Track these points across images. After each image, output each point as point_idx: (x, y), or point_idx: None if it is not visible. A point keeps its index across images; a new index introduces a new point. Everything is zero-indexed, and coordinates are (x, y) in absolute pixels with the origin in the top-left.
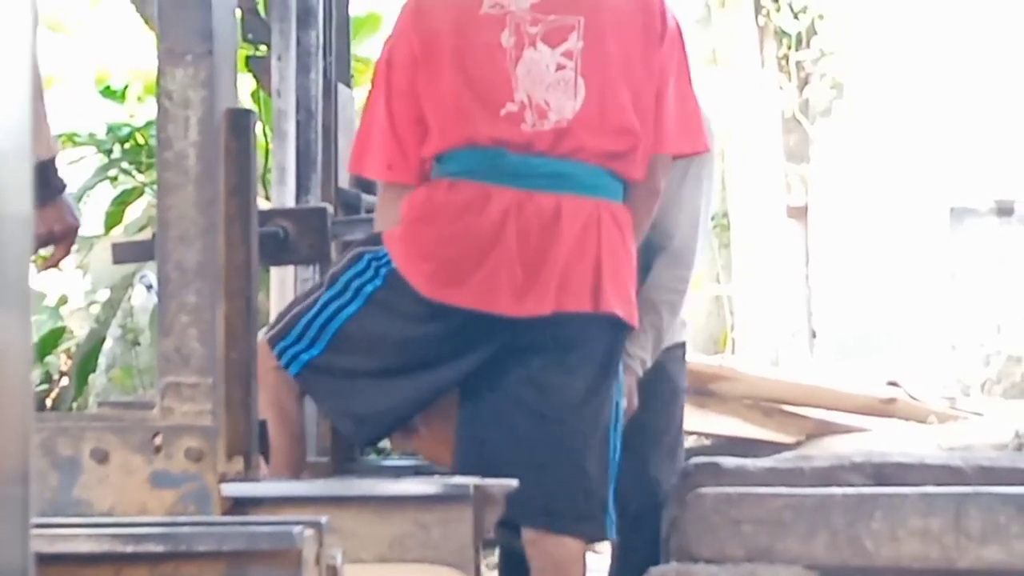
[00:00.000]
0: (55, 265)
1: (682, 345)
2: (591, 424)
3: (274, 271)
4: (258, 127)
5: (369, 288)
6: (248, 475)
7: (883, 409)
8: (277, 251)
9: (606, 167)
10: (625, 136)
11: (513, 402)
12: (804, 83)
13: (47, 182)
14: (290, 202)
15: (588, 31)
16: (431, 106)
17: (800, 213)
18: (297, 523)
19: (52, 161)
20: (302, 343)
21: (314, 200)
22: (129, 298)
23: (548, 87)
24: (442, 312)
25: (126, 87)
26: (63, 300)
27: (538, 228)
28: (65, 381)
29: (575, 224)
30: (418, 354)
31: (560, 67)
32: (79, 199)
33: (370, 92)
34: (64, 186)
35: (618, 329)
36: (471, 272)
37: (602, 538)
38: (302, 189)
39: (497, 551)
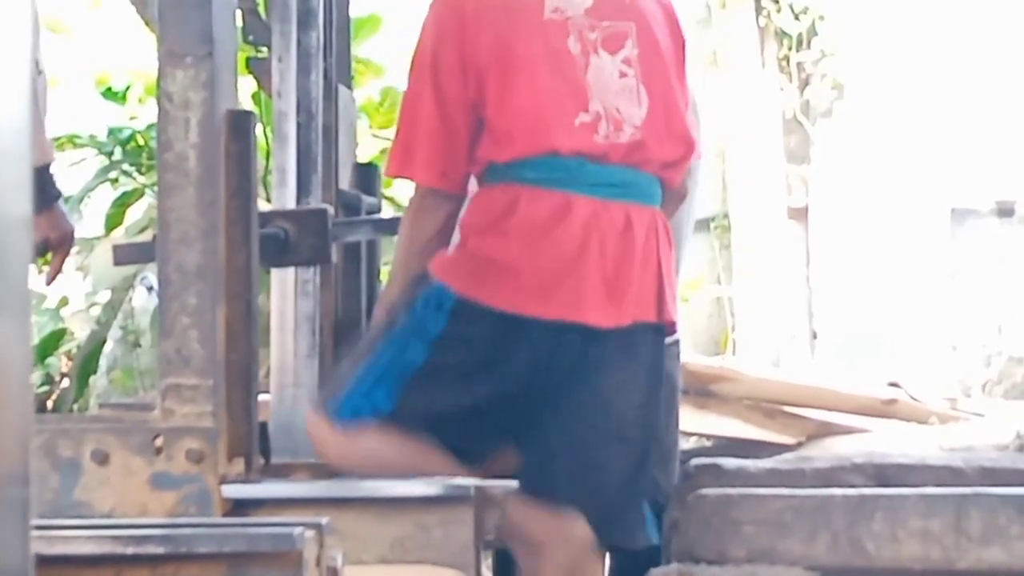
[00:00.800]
0: (56, 274)
1: (676, 343)
2: (649, 436)
3: (275, 273)
4: (258, 129)
5: (433, 329)
6: (248, 476)
7: (884, 410)
8: (278, 253)
9: (660, 175)
10: (683, 144)
11: (584, 416)
12: (805, 84)
13: (42, 189)
14: (291, 204)
15: (640, 38)
16: (502, 113)
17: (801, 214)
18: (298, 524)
19: (47, 168)
20: (365, 397)
21: (315, 202)
22: (130, 300)
23: (616, 95)
24: (522, 327)
25: (127, 89)
26: (64, 302)
27: (614, 238)
28: (66, 383)
29: (641, 233)
30: (504, 375)
31: (623, 75)
32: (80, 201)
33: (411, 95)
34: (59, 194)
35: (663, 337)
36: (558, 283)
37: (647, 545)
38: (303, 191)
39: (492, 553)
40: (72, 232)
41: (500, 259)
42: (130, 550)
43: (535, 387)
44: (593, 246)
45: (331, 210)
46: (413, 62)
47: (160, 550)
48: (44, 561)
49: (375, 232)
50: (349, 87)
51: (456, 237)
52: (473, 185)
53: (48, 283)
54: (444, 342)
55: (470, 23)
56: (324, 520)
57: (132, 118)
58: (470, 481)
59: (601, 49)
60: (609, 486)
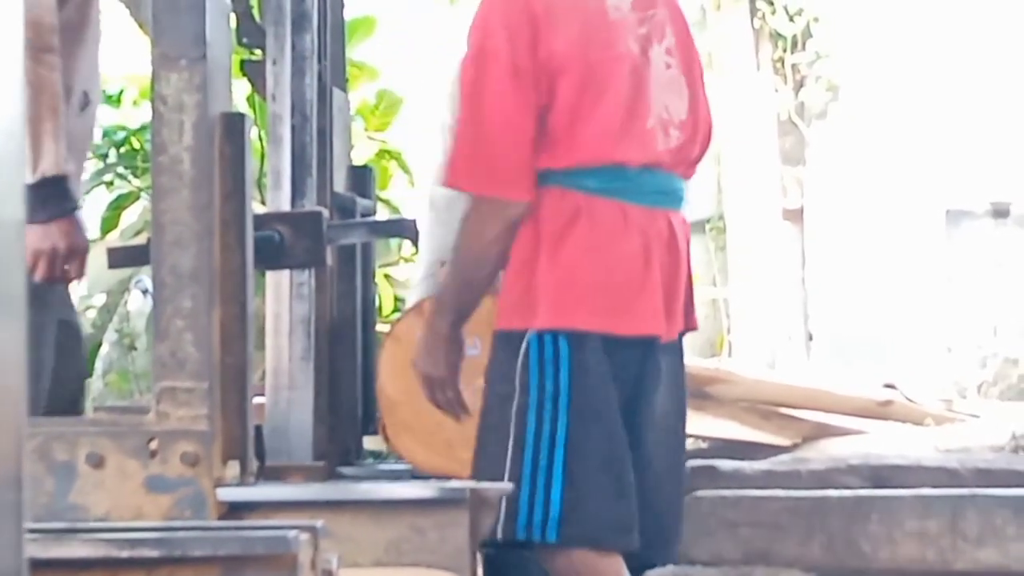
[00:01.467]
0: (68, 279)
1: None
2: (684, 446)
3: (269, 275)
4: (253, 131)
5: (564, 385)
6: (243, 479)
7: (880, 411)
8: (272, 255)
9: (686, 177)
10: (707, 140)
11: (650, 439)
12: (799, 86)
13: (54, 198)
14: (285, 206)
15: (673, 24)
16: (572, 120)
17: (796, 216)
18: (293, 527)
19: (63, 179)
20: (537, 506)
21: (309, 204)
22: (125, 303)
23: (665, 89)
24: (614, 348)
25: (121, 92)
26: None
27: (662, 248)
28: None
29: (682, 242)
30: (618, 406)
31: (668, 66)
32: None
33: (488, 100)
34: (76, 206)
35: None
36: (634, 298)
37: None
38: (297, 193)
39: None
40: (86, 244)
41: (585, 286)
42: (125, 553)
43: (624, 407)
44: (652, 258)
45: (326, 213)
46: (479, 64)
47: (155, 553)
48: (39, 565)
49: (370, 235)
50: (344, 90)
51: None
52: None
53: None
54: (579, 397)
55: (542, 25)
56: (319, 523)
57: (126, 121)
58: (465, 483)
59: (653, 43)
60: (668, 510)
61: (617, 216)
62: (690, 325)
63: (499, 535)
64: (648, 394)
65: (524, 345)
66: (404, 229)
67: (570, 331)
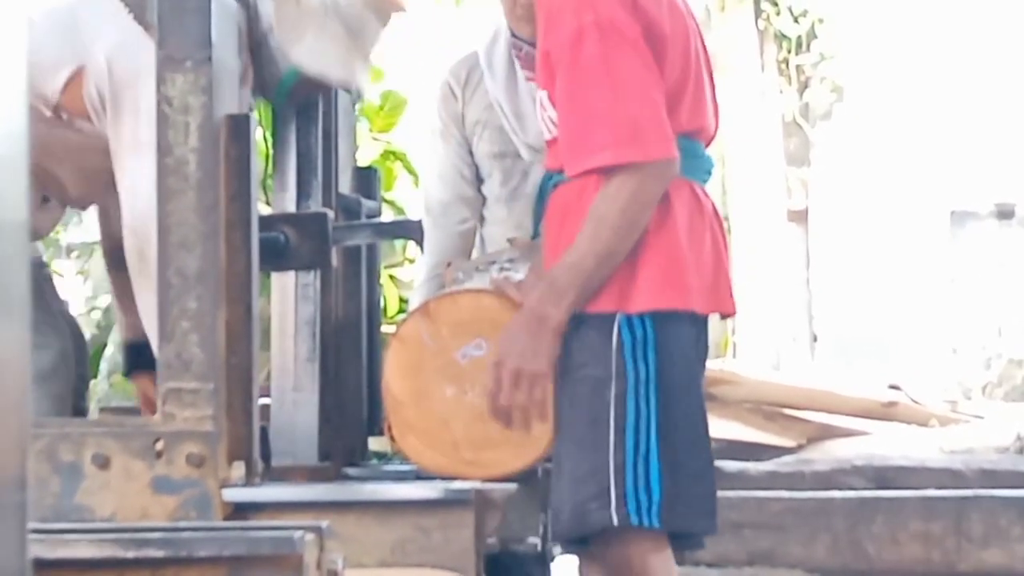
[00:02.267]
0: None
1: None
2: None
3: (275, 277)
4: (258, 133)
5: (652, 367)
6: (249, 480)
7: (884, 412)
8: (278, 257)
9: None
10: (717, 121)
11: (701, 420)
12: (804, 87)
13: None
14: (291, 208)
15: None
16: (672, 87)
17: (801, 217)
18: (298, 528)
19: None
20: (641, 491)
21: (315, 206)
22: None
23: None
24: (695, 326)
25: None
26: None
27: (720, 225)
28: None
29: (721, 221)
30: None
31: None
32: None
33: (614, 68)
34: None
35: None
36: (715, 276)
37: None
38: (302, 195)
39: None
40: None
41: (674, 264)
42: (131, 554)
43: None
44: (718, 237)
45: (331, 214)
46: (595, 35)
47: (161, 554)
48: (45, 565)
49: (375, 236)
50: (349, 91)
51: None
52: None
53: None
54: (668, 373)
55: None
56: (324, 524)
57: None
58: (469, 484)
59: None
60: (711, 490)
61: (692, 195)
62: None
63: (615, 521)
64: (700, 375)
65: (616, 328)
66: (409, 230)
67: (659, 312)
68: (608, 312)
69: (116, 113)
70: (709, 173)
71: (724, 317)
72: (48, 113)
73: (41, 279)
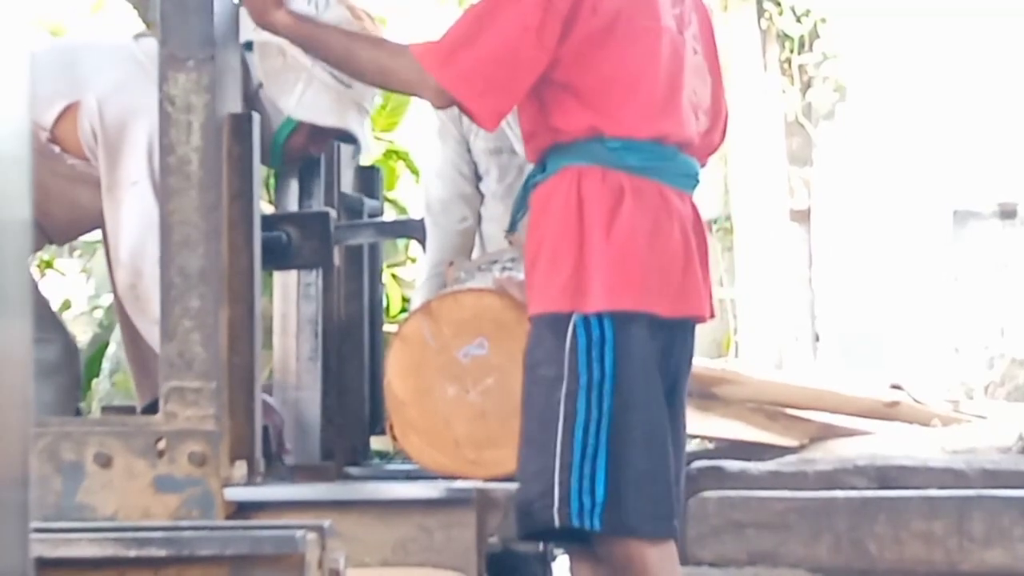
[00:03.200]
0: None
1: None
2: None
3: (277, 276)
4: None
5: (609, 369)
6: (251, 479)
7: (886, 412)
8: (280, 256)
9: (702, 165)
10: (723, 135)
11: (680, 424)
12: (807, 86)
13: None
14: (293, 207)
15: (697, 13)
16: (612, 85)
17: (803, 216)
18: (300, 527)
19: None
20: (584, 492)
21: (317, 205)
22: None
23: (694, 74)
24: (659, 329)
25: None
26: (66, 305)
27: (695, 229)
28: None
29: (704, 224)
30: (662, 387)
31: (695, 51)
32: None
33: (505, 15)
34: None
35: None
36: (680, 279)
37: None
38: (304, 193)
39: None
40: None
41: (636, 267)
42: (133, 553)
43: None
44: (689, 240)
45: (333, 213)
46: None
47: (163, 553)
48: (47, 564)
49: (377, 235)
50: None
51: (551, 229)
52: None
53: None
54: (624, 379)
55: None
56: (326, 523)
57: None
58: (471, 484)
59: (685, 25)
60: (665, 494)
61: (658, 197)
62: (711, 313)
63: (556, 521)
64: (684, 376)
65: (571, 328)
66: (412, 230)
67: (617, 313)
68: (564, 312)
69: (109, 151)
70: (689, 177)
71: (696, 322)
72: (43, 140)
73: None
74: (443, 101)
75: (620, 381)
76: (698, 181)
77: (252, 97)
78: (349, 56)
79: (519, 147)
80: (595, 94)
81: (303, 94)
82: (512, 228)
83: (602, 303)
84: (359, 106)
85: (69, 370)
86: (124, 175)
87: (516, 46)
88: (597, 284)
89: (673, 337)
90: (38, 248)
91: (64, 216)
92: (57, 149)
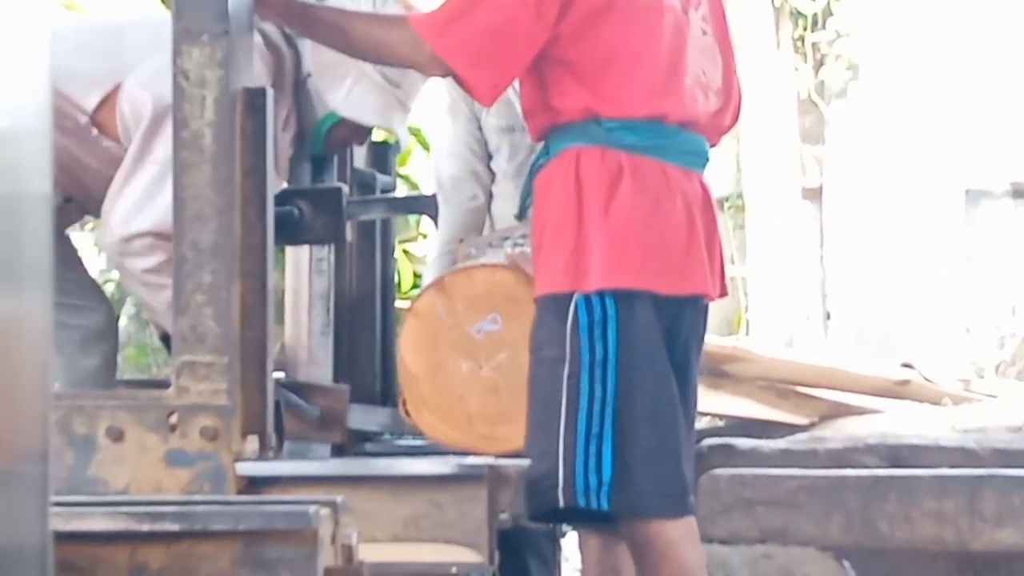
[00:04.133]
0: None
1: None
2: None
3: (289, 250)
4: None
5: (612, 347)
6: (262, 454)
7: (897, 391)
8: (292, 231)
9: (713, 144)
10: (736, 115)
11: (690, 403)
12: (820, 64)
13: None
14: (306, 182)
15: None
16: (610, 63)
17: (815, 194)
18: (314, 503)
19: None
20: (591, 472)
21: (329, 180)
22: None
23: (702, 54)
24: (663, 307)
25: None
26: None
27: (702, 208)
28: None
29: (714, 202)
30: (670, 364)
31: (704, 32)
32: None
33: None
34: None
35: None
36: (683, 257)
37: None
38: (317, 169)
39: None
40: None
41: (636, 245)
42: (146, 527)
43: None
44: (694, 218)
45: (346, 188)
46: None
47: (176, 527)
48: (60, 538)
49: (390, 211)
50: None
51: (552, 209)
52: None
53: None
54: (626, 346)
55: None
56: (340, 498)
57: None
58: (483, 459)
59: (691, 6)
60: (674, 472)
61: (659, 175)
62: (722, 291)
63: (561, 502)
64: (694, 355)
65: (572, 308)
66: (424, 205)
67: (619, 292)
68: (564, 293)
69: (143, 135)
70: (695, 155)
71: (705, 300)
72: (82, 122)
73: (68, 243)
74: (439, 71)
75: (624, 360)
76: (707, 159)
77: (299, 85)
78: (343, 32)
79: None
80: (593, 73)
81: (351, 91)
82: (521, 215)
83: (601, 281)
84: (404, 105)
85: (112, 338)
86: (148, 155)
87: (514, 19)
88: (596, 263)
89: (680, 315)
90: (76, 220)
91: (101, 193)
92: (95, 132)
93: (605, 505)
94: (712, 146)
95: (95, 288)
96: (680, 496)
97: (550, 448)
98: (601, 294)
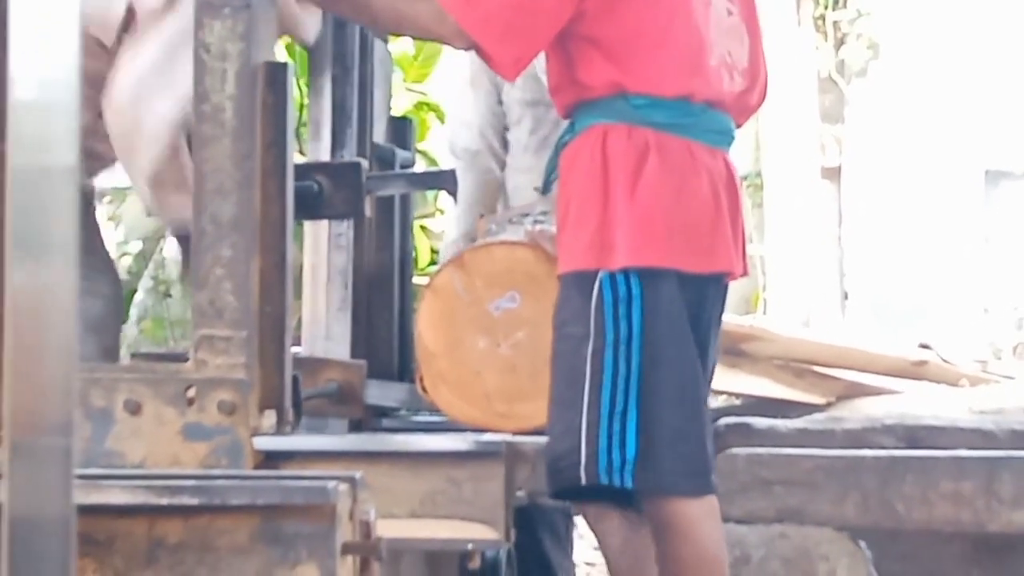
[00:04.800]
0: None
1: None
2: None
3: (308, 225)
4: (293, 81)
5: (637, 325)
6: (280, 429)
7: (914, 371)
8: (311, 206)
9: (739, 125)
10: (763, 95)
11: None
12: (840, 43)
13: None
14: (325, 157)
15: None
16: (637, 40)
17: (834, 174)
18: (332, 478)
19: None
20: (614, 449)
21: (349, 155)
22: (161, 250)
23: (727, 35)
24: (688, 285)
25: None
26: None
27: (727, 186)
28: None
29: (739, 181)
30: (695, 344)
31: (729, 13)
32: None
33: None
34: None
35: None
36: (709, 235)
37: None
38: (337, 144)
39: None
40: None
41: (662, 224)
42: (165, 500)
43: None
44: (720, 196)
45: (365, 163)
46: None
47: (194, 501)
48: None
49: (409, 186)
50: (385, 41)
51: (578, 186)
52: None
53: None
54: (652, 335)
55: None
56: (358, 474)
57: None
58: (500, 436)
59: None
60: (698, 450)
61: (685, 153)
62: (744, 270)
63: (583, 480)
64: (714, 332)
65: (597, 285)
66: (443, 181)
67: (644, 269)
68: (589, 270)
69: (142, 34)
70: (722, 133)
71: (728, 278)
72: (108, 44)
73: (91, 218)
74: (462, 43)
75: (648, 338)
76: (732, 138)
77: None
78: (365, 4)
79: None
80: (620, 49)
81: None
82: (546, 190)
83: (627, 259)
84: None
85: (112, 328)
86: (143, 47)
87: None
88: (622, 241)
89: (705, 293)
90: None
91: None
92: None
93: (629, 483)
94: (738, 126)
95: (101, 268)
96: (704, 475)
97: (573, 425)
98: (626, 272)
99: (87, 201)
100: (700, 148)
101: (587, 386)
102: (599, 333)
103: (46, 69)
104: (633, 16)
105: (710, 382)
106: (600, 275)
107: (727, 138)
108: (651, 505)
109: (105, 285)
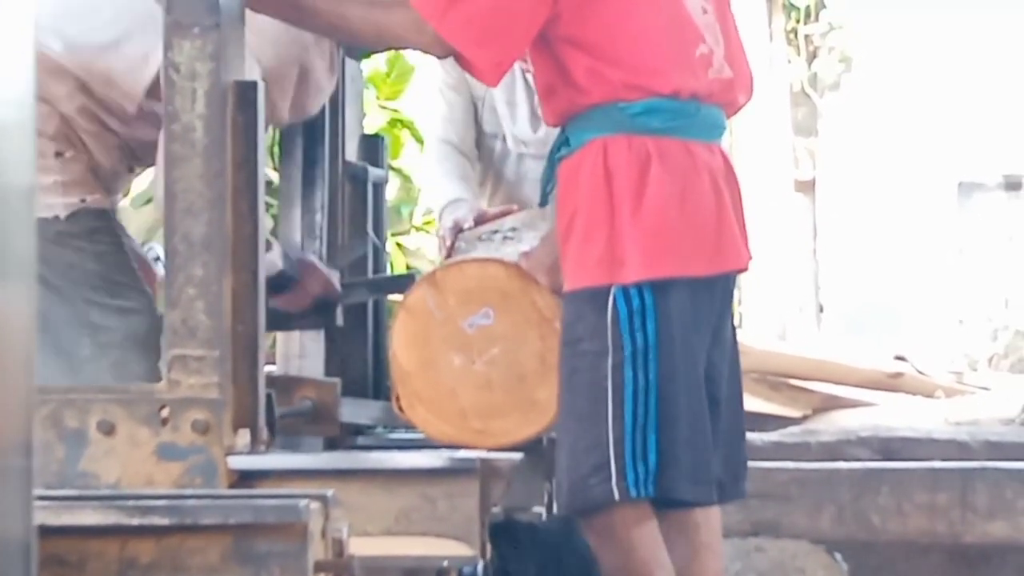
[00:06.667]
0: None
1: None
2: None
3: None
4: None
5: (652, 337)
6: (254, 448)
7: (890, 383)
8: (284, 318)
9: (728, 114)
10: (751, 91)
11: (733, 378)
12: (813, 56)
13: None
14: (297, 175)
15: None
16: (616, 39)
17: (808, 187)
18: (303, 496)
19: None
20: (638, 461)
21: (321, 173)
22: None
23: (704, 31)
24: (699, 289)
25: None
26: None
27: (726, 178)
28: None
29: (735, 169)
30: (703, 348)
31: (704, 11)
32: None
33: None
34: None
35: None
36: (716, 235)
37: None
38: (308, 162)
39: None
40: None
41: (670, 231)
42: (136, 521)
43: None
44: (721, 192)
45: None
46: None
47: (165, 521)
48: (50, 531)
49: (373, 293)
50: (356, 59)
51: (581, 202)
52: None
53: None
54: (667, 346)
55: None
56: (330, 492)
57: None
58: (475, 453)
59: None
60: (741, 443)
61: (684, 155)
62: (751, 256)
63: (616, 495)
64: (726, 327)
65: (611, 300)
66: (407, 285)
67: (656, 281)
68: (602, 286)
69: None
70: (715, 127)
71: (737, 273)
72: (133, 111)
73: (126, 248)
74: (442, 51)
75: (664, 348)
76: (724, 128)
77: None
78: (340, 18)
79: (511, 141)
80: (602, 46)
81: None
82: (543, 202)
83: (640, 272)
84: None
85: (156, 342)
86: None
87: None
88: (633, 254)
89: (714, 292)
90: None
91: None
92: (155, 108)
93: (652, 492)
94: (727, 117)
95: (139, 288)
96: (710, 484)
97: (599, 441)
98: (639, 285)
99: (108, 219)
100: (697, 146)
101: (610, 401)
102: (617, 347)
103: (0, 89)
104: (610, 13)
105: (735, 374)
106: (613, 290)
107: (719, 131)
108: (667, 513)
109: (137, 300)
